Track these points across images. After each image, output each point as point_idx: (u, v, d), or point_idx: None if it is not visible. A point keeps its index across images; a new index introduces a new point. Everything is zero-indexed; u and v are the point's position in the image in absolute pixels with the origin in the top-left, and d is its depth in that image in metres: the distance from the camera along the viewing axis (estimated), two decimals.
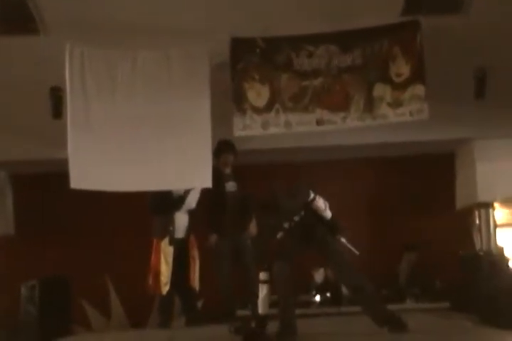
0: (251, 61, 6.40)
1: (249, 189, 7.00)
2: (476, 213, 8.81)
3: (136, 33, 6.02)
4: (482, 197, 8.42)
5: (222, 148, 6.92)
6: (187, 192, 6.77)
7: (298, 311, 5.50)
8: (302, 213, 5.18)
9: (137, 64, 6.02)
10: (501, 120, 7.80)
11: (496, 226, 8.78)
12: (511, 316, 6.65)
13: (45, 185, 8.55)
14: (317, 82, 6.53)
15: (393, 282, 8.50)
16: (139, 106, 6.03)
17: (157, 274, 6.72)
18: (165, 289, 6.71)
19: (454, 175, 8.89)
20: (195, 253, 6.90)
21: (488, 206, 8.69)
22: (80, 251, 8.51)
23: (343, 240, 5.27)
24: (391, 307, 7.28)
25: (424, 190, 8.93)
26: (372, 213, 9.05)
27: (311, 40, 6.43)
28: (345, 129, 6.83)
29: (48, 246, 8.63)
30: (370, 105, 6.64)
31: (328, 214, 5.29)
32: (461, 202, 8.82)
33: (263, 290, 5.23)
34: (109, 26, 5.95)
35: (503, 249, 8.71)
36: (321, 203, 5.24)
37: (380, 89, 6.62)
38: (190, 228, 6.88)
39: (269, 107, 6.53)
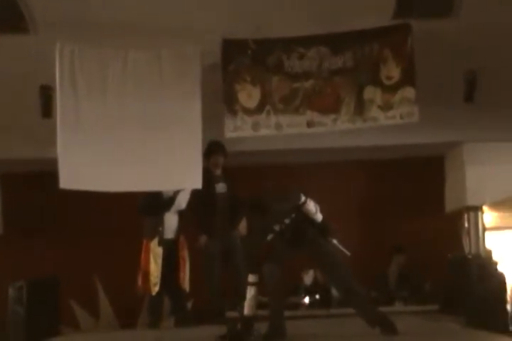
0: (242, 62, 6.40)
1: (239, 190, 7.00)
2: (465, 216, 8.85)
3: (127, 33, 6.00)
4: (471, 201, 8.48)
5: (213, 149, 6.93)
6: (177, 192, 6.77)
7: (287, 313, 5.50)
8: (293, 216, 5.18)
9: (128, 63, 5.98)
10: (491, 123, 7.84)
11: (484, 229, 8.83)
12: (499, 319, 6.69)
13: (34, 184, 8.54)
14: (308, 84, 6.54)
15: (382, 284, 8.52)
16: (130, 106, 6.00)
17: (146, 274, 6.72)
18: (154, 289, 6.70)
19: (443, 178, 8.95)
20: (185, 253, 6.88)
21: (477, 209, 8.74)
22: (69, 251, 8.50)
23: (335, 242, 5.27)
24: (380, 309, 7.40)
25: (414, 192, 8.96)
26: (362, 215, 9.08)
27: (303, 42, 6.44)
28: (336, 131, 6.84)
29: (36, 246, 8.60)
30: (360, 108, 6.65)
31: (319, 216, 5.28)
32: (450, 205, 8.87)
33: (250, 292, 5.21)
34: (99, 25, 5.94)
35: (491, 252, 8.77)
36: (311, 206, 5.23)
37: (370, 92, 6.63)
38: (180, 229, 6.88)
39: (260, 109, 6.53)
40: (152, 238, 6.74)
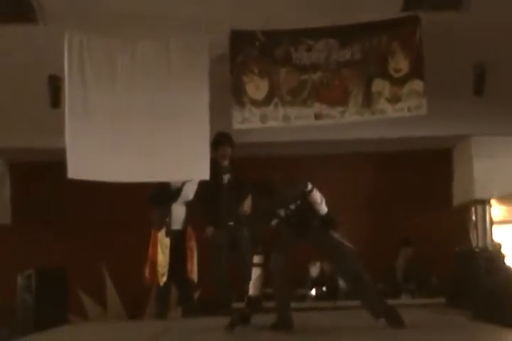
0: (250, 54, 6.42)
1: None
2: (473, 209, 8.84)
3: (135, 23, 6.02)
4: (479, 194, 8.46)
5: (220, 140, 6.89)
6: (184, 183, 6.76)
7: (293, 305, 5.46)
8: (298, 202, 5.16)
9: (136, 54, 5.98)
10: (500, 117, 7.82)
11: (492, 223, 8.82)
12: (506, 312, 6.67)
13: (43, 174, 8.55)
14: (316, 76, 6.55)
15: (390, 277, 8.53)
16: (138, 96, 6.01)
17: (154, 265, 6.73)
18: (162, 280, 6.71)
19: (451, 171, 8.92)
20: (192, 244, 6.88)
21: (484, 203, 8.73)
22: (78, 241, 8.53)
23: (336, 236, 5.25)
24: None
25: (422, 185, 8.95)
26: (370, 208, 9.07)
27: (311, 34, 6.45)
28: (344, 124, 6.85)
29: (44, 236, 8.62)
30: (368, 100, 6.66)
31: (324, 208, 5.26)
32: (458, 198, 8.85)
33: (256, 273, 5.20)
34: (108, 16, 5.94)
35: (500, 245, 8.75)
36: (317, 196, 5.23)
37: (378, 85, 6.64)
38: (188, 220, 6.88)
39: (267, 101, 6.55)
40: (160, 229, 6.76)
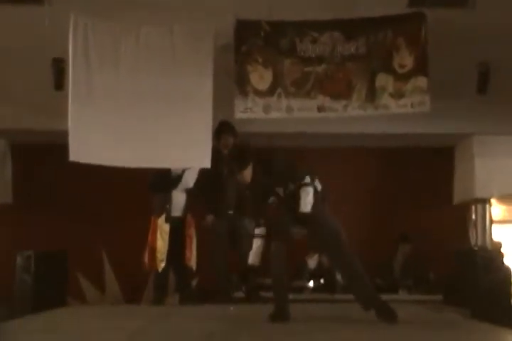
0: (255, 44, 6.43)
1: None
2: (473, 208, 8.86)
3: (140, 9, 6.02)
4: (479, 193, 8.46)
5: (223, 129, 6.89)
6: (184, 171, 6.81)
7: (291, 296, 5.46)
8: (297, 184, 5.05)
9: (140, 38, 5.99)
10: (503, 116, 7.82)
11: (492, 222, 8.83)
12: (503, 312, 6.68)
13: (44, 155, 8.57)
14: (320, 68, 6.57)
15: (387, 272, 8.56)
16: (142, 81, 6.01)
17: (153, 251, 6.80)
18: (160, 266, 6.78)
19: (452, 169, 8.92)
20: (192, 232, 6.94)
21: (485, 202, 8.74)
22: (78, 225, 8.54)
23: (334, 225, 5.20)
24: (384, 297, 7.42)
25: (423, 182, 8.96)
26: (370, 203, 9.08)
27: (316, 26, 6.46)
28: (346, 117, 6.87)
29: (45, 217, 8.66)
30: (372, 95, 6.68)
31: (305, 208, 4.98)
32: (458, 196, 8.85)
33: (257, 243, 5.17)
34: (113, 0, 5.97)
35: (500, 244, 8.75)
36: (307, 194, 4.99)
37: (382, 79, 6.66)
38: (188, 207, 6.93)
39: (271, 91, 6.57)
40: (160, 215, 6.82)
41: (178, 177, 6.84)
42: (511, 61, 7.19)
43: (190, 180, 6.88)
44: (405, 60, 6.61)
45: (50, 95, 6.18)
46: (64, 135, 5.85)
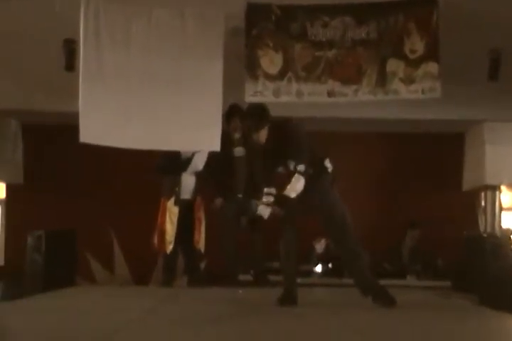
0: (266, 28, 6.40)
1: None
2: (483, 195, 8.87)
3: None
4: (489, 180, 8.46)
5: (233, 112, 6.89)
6: (194, 154, 6.85)
7: (299, 280, 5.50)
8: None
9: (152, 20, 5.97)
10: None
11: (501, 209, 8.83)
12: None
13: (55, 136, 8.64)
14: (331, 53, 6.55)
15: (396, 258, 8.59)
16: (152, 62, 5.99)
17: (162, 233, 6.85)
18: (169, 248, 6.84)
19: (463, 156, 8.90)
20: (201, 214, 6.99)
21: (494, 189, 8.74)
22: (88, 205, 8.63)
23: (341, 211, 5.21)
24: (392, 282, 7.45)
25: (433, 168, 8.98)
26: (380, 188, 9.10)
27: (327, 10, 6.43)
28: (357, 102, 6.86)
29: (56, 198, 8.74)
30: (382, 80, 6.65)
31: (290, 193, 4.95)
32: (468, 183, 8.85)
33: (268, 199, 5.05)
34: None
35: (509, 231, 8.75)
36: (297, 182, 4.91)
37: (393, 65, 6.63)
38: (197, 190, 6.98)
39: (281, 75, 6.55)
40: (169, 197, 6.86)
41: (188, 160, 6.87)
42: None
43: (199, 163, 6.91)
44: (416, 45, 6.57)
45: (61, 76, 6.15)
46: (75, 116, 5.84)
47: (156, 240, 6.91)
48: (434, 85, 6.58)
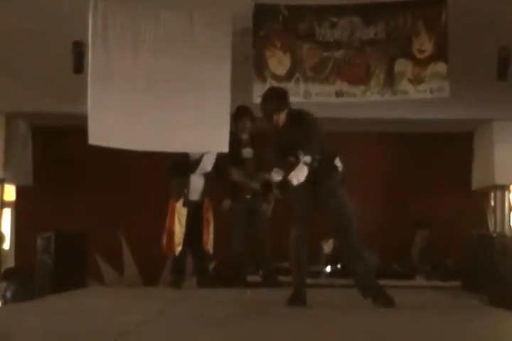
0: (273, 28, 6.41)
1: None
2: (492, 195, 8.83)
3: None
4: (499, 180, 8.42)
5: (241, 113, 6.92)
6: (203, 155, 6.83)
7: (308, 281, 5.41)
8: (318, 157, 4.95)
9: (160, 23, 5.97)
10: None
11: (510, 208, 8.80)
12: None
13: (64, 138, 8.62)
14: (339, 53, 6.55)
15: (405, 258, 8.58)
16: (160, 64, 5.99)
17: (171, 234, 6.85)
18: (178, 249, 6.84)
19: (471, 155, 8.89)
20: (209, 216, 6.98)
21: (504, 188, 8.71)
22: (97, 207, 8.64)
23: (348, 210, 5.21)
24: (401, 282, 7.44)
25: (441, 168, 8.95)
26: (388, 188, 9.08)
27: (335, 10, 6.44)
28: (365, 103, 6.85)
29: (65, 199, 8.76)
30: (390, 80, 6.66)
31: (274, 176, 5.01)
32: (477, 182, 8.83)
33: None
34: None
35: None
36: (298, 173, 4.89)
37: (401, 65, 6.63)
38: (206, 191, 6.97)
39: (289, 76, 6.56)
40: (178, 199, 6.86)
41: (197, 162, 6.87)
42: None
43: (208, 164, 6.91)
44: (425, 45, 6.58)
45: (70, 79, 6.16)
46: (83, 118, 5.86)
47: (164, 241, 6.91)
48: (442, 85, 6.59)
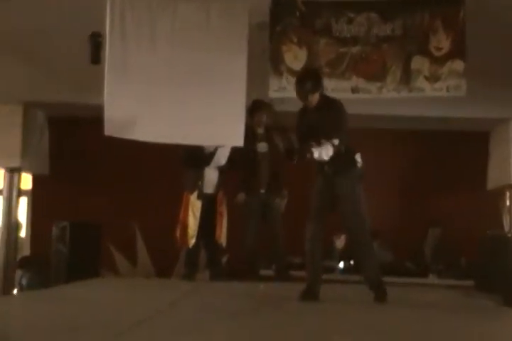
0: (290, 23, 6.38)
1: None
2: (508, 194, 8.81)
3: None
4: None
5: (257, 107, 6.97)
6: (217, 148, 6.90)
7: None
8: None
9: (177, 14, 5.94)
10: None
11: None
12: None
13: (80, 129, 8.73)
14: (355, 49, 6.52)
15: (418, 256, 8.57)
16: (177, 57, 5.96)
17: (185, 227, 6.90)
18: (191, 242, 6.89)
19: (487, 154, 8.87)
20: (223, 209, 7.03)
21: None
22: (112, 197, 8.74)
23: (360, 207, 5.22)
24: (414, 280, 7.43)
25: (456, 166, 8.93)
26: (402, 186, 9.08)
27: (353, 6, 6.39)
28: (381, 99, 6.84)
29: (80, 189, 8.85)
30: (407, 77, 6.62)
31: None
32: (492, 182, 8.80)
33: None
34: None
35: None
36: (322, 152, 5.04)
37: (418, 62, 6.58)
38: (220, 184, 7.02)
39: None
40: (192, 191, 6.92)
41: (211, 155, 6.92)
42: None
43: (222, 157, 6.96)
44: (442, 42, 6.53)
45: (88, 69, 6.18)
46: (100, 109, 5.85)
47: (178, 234, 6.96)
48: (459, 83, 6.53)
